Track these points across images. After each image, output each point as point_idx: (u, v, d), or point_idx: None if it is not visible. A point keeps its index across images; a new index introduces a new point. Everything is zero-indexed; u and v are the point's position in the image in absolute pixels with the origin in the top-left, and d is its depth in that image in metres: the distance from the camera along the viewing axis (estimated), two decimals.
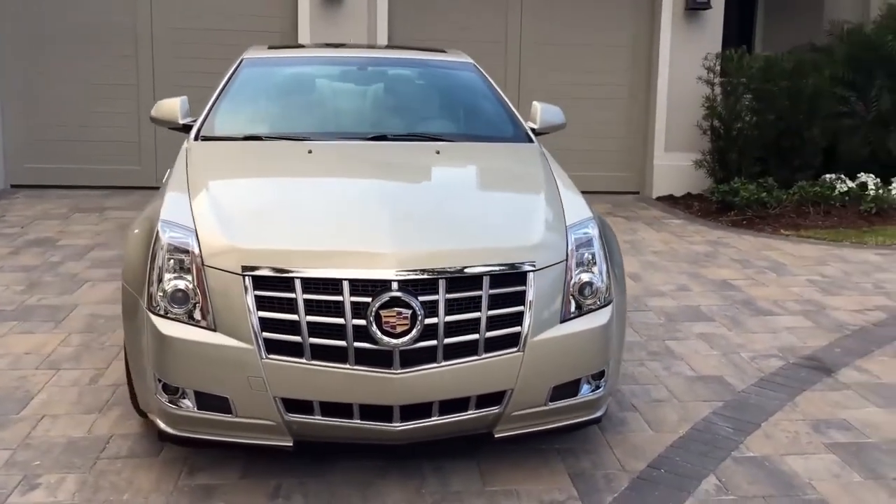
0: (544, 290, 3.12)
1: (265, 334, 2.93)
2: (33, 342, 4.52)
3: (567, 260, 3.23)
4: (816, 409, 3.95)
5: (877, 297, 5.75)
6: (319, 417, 3.00)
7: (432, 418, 3.03)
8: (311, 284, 2.94)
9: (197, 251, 3.06)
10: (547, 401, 3.15)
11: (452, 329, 2.98)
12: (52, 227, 7.12)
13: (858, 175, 8.68)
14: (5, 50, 8.55)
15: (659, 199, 9.30)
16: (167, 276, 3.06)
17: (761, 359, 4.58)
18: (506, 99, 4.85)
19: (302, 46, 7.50)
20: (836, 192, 8.44)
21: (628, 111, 9.51)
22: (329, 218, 3.33)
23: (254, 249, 3.04)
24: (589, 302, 3.24)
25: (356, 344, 2.92)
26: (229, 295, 2.97)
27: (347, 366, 2.93)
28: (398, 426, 2.99)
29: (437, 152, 4.14)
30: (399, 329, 2.90)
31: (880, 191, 8.41)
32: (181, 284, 3.03)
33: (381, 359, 2.93)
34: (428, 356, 2.96)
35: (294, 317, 2.93)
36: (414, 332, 2.91)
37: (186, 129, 4.38)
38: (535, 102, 4.85)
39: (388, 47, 7.62)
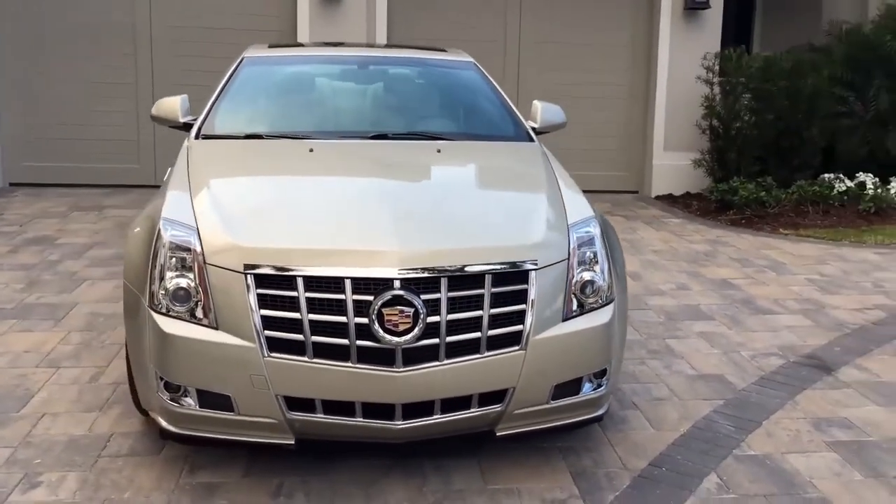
0: (546, 289, 3.12)
1: (267, 332, 2.93)
2: (33, 340, 4.52)
3: (569, 258, 3.23)
4: (817, 408, 3.95)
5: (876, 296, 5.76)
6: (321, 415, 3.00)
7: (434, 416, 3.03)
8: (313, 283, 2.94)
9: (199, 249, 3.06)
10: (549, 399, 3.15)
11: (454, 327, 2.98)
12: (50, 225, 7.11)
13: (857, 174, 8.70)
14: (5, 49, 8.53)
15: (658, 198, 9.31)
16: (169, 274, 3.06)
17: (761, 357, 4.59)
18: (506, 98, 4.86)
19: (302, 45, 7.49)
20: (835, 191, 8.46)
21: (627, 111, 9.51)
22: (331, 216, 3.33)
23: (256, 248, 3.04)
24: (591, 300, 3.24)
25: (358, 342, 2.92)
26: (231, 293, 2.97)
27: (349, 364, 2.93)
28: (400, 424, 2.99)
29: (439, 151, 4.14)
30: (401, 327, 2.90)
31: (879, 190, 8.43)
32: (183, 282, 3.03)
33: (383, 357, 2.93)
34: (430, 354, 2.96)
35: (296, 315, 2.92)
36: (416, 330, 2.91)
37: (187, 127, 4.38)
38: (535, 101, 4.85)
39: (388, 46, 7.62)
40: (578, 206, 3.55)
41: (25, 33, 8.55)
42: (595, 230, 3.41)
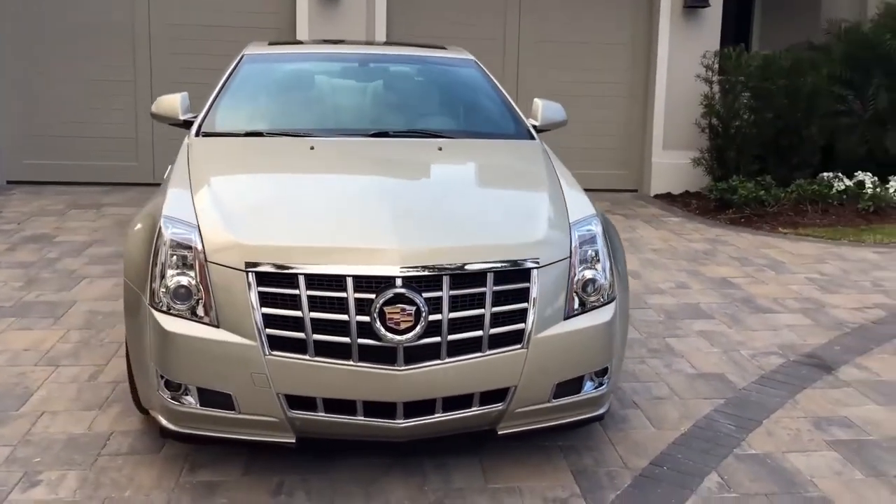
0: (548, 287, 3.12)
1: (268, 331, 2.92)
2: (32, 338, 4.51)
3: (570, 257, 3.22)
4: (817, 407, 3.95)
5: (875, 295, 5.76)
6: (323, 414, 2.99)
7: (436, 415, 3.03)
8: (314, 281, 2.94)
9: (200, 247, 3.05)
10: (550, 398, 3.15)
11: (456, 326, 2.98)
12: (49, 223, 7.09)
13: (856, 173, 8.71)
14: (5, 49, 8.52)
15: (657, 196, 9.30)
16: (170, 272, 3.05)
17: (762, 356, 4.58)
18: (507, 95, 4.85)
19: (303, 43, 7.48)
20: (834, 190, 8.46)
21: (627, 109, 9.51)
22: (332, 214, 3.32)
23: (257, 245, 3.03)
24: (592, 299, 3.23)
25: (360, 340, 2.91)
26: (232, 291, 2.96)
27: (351, 362, 2.92)
28: (402, 423, 2.99)
29: (439, 149, 4.14)
30: (403, 326, 2.90)
31: (878, 189, 8.44)
32: (184, 280, 3.02)
33: (384, 355, 2.92)
34: (432, 353, 2.95)
35: (297, 313, 2.92)
36: (418, 328, 2.90)
37: (187, 125, 4.37)
38: (536, 99, 4.85)
39: (389, 44, 7.61)
40: (580, 205, 3.55)
41: (25, 33, 8.54)
42: (597, 228, 3.41)
